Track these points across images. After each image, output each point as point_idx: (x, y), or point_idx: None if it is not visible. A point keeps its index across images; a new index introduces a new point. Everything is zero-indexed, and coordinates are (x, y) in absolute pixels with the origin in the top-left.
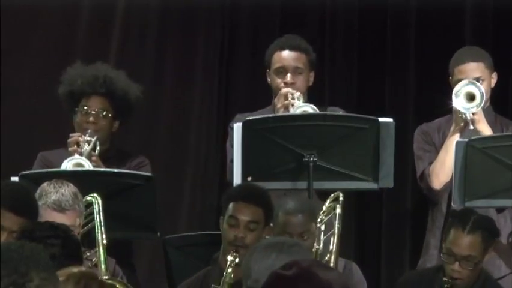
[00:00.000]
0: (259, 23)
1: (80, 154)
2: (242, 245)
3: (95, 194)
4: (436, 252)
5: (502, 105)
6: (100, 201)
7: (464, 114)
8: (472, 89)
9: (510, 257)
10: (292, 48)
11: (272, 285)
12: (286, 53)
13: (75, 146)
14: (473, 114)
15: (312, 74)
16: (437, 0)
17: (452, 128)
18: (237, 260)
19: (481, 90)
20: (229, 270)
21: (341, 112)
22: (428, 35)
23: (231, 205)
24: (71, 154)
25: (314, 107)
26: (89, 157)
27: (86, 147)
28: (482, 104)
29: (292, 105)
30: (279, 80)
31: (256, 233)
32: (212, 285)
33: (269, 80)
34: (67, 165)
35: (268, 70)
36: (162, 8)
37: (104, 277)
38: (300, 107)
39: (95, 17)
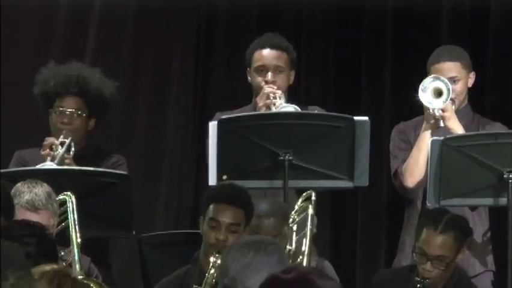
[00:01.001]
0: (235, 22)
1: (53, 158)
2: (224, 247)
3: (68, 193)
4: (411, 251)
5: (479, 104)
6: (73, 199)
7: (433, 110)
8: (440, 84)
9: (485, 255)
10: (273, 47)
11: (269, 287)
12: (267, 52)
13: (48, 150)
14: (442, 111)
15: (293, 73)
16: (414, 0)
17: (423, 126)
18: (219, 261)
19: (447, 86)
20: (212, 271)
21: (318, 111)
22: (405, 34)
23: (211, 206)
24: (44, 157)
25: (297, 107)
26: (62, 161)
27: (60, 150)
28: (448, 100)
29: (274, 104)
30: (259, 79)
31: (237, 234)
32: (193, 286)
33: (249, 78)
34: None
35: (248, 69)
36: (138, 7)
37: (79, 277)
38: (283, 107)
39: (72, 17)
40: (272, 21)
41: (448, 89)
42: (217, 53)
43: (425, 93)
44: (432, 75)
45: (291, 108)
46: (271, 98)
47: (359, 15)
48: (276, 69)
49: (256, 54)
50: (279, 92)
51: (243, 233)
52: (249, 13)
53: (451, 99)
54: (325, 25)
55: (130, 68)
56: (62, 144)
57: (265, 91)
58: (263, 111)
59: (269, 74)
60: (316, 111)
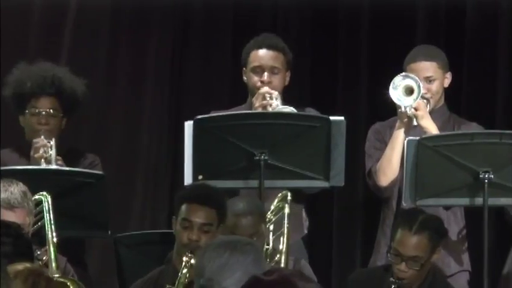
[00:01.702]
0: (211, 22)
1: (47, 160)
2: (196, 247)
3: (44, 192)
4: (386, 251)
5: (455, 104)
6: (49, 199)
7: (405, 108)
8: (411, 82)
9: (460, 254)
10: (270, 47)
11: None
12: (263, 52)
13: (41, 152)
14: (415, 109)
15: (289, 74)
16: (390, 0)
17: (396, 124)
18: (192, 261)
19: (418, 84)
20: (185, 270)
21: (312, 113)
22: (381, 34)
23: (183, 207)
24: (37, 160)
25: (293, 109)
26: (56, 162)
27: (50, 152)
28: (419, 98)
29: (271, 105)
30: (255, 79)
31: (210, 234)
32: (167, 286)
33: (245, 78)
34: None
35: (244, 68)
36: (114, 7)
37: (55, 275)
38: (280, 108)
39: (47, 17)
40: (248, 21)
41: (419, 87)
42: (193, 53)
43: (396, 90)
44: (402, 73)
45: (288, 109)
46: (268, 98)
47: (334, 15)
48: (272, 70)
49: (253, 55)
50: (275, 92)
51: (216, 233)
52: (225, 12)
53: (426, 99)
54: (301, 24)
55: (106, 67)
56: (50, 146)
57: (261, 91)
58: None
59: (265, 74)
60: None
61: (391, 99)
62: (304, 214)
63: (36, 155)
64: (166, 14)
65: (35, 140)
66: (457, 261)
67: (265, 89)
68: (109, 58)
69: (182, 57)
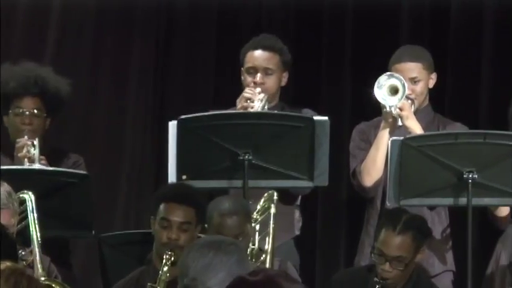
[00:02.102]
0: (195, 21)
1: (30, 159)
2: (176, 246)
3: (28, 191)
4: (370, 251)
5: (439, 104)
6: (33, 198)
7: (390, 107)
8: (395, 82)
9: (445, 255)
10: (265, 48)
11: None
12: (258, 53)
13: (24, 151)
14: (400, 109)
15: (286, 74)
16: (374, 0)
17: (381, 125)
18: (172, 259)
19: (403, 83)
20: (165, 268)
21: (310, 114)
22: (365, 34)
23: (162, 206)
24: (20, 159)
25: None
26: (38, 161)
27: (33, 151)
28: (403, 98)
29: (252, 108)
30: (249, 80)
31: (189, 233)
32: (148, 284)
33: (242, 78)
34: None
35: (242, 68)
36: (98, 7)
37: (42, 278)
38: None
39: (31, 16)
40: (232, 20)
41: (404, 87)
42: (177, 53)
43: (381, 90)
44: (388, 73)
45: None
46: (248, 102)
47: (318, 14)
48: (266, 71)
49: (248, 55)
50: (261, 95)
51: (195, 232)
52: (209, 12)
53: (410, 99)
54: (285, 24)
55: (90, 67)
56: (33, 146)
57: (245, 95)
58: None
59: (258, 75)
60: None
61: (376, 99)
62: (297, 215)
63: (19, 155)
64: (150, 14)
65: (17, 140)
66: (441, 261)
67: (248, 93)
68: (93, 57)
69: (166, 58)
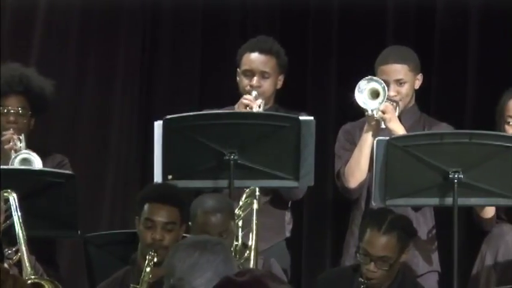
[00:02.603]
0: (180, 21)
1: (16, 151)
2: (160, 246)
3: (10, 190)
4: (355, 251)
5: (425, 104)
6: (15, 196)
7: (372, 111)
8: (376, 85)
9: (430, 255)
10: (262, 51)
11: None
12: (255, 56)
13: (11, 144)
14: (382, 112)
15: (282, 77)
16: (360, 0)
17: (365, 127)
18: (155, 260)
19: (383, 86)
20: (148, 269)
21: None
22: (350, 34)
23: (146, 206)
24: (7, 152)
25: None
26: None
27: (20, 144)
28: (384, 101)
29: None
30: (245, 82)
31: (173, 233)
32: (131, 285)
33: (238, 79)
34: (15, 161)
35: (238, 69)
36: (83, 7)
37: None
38: None
39: (17, 16)
40: (217, 20)
41: (384, 90)
42: (162, 52)
43: (362, 94)
44: (367, 77)
45: None
46: (247, 108)
47: (304, 15)
48: (263, 75)
49: (245, 57)
50: (259, 101)
51: (180, 231)
52: (194, 12)
53: (395, 102)
54: (270, 25)
55: (75, 67)
56: (18, 139)
57: (243, 101)
58: None
59: (255, 78)
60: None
61: (356, 103)
62: (287, 217)
63: (6, 147)
64: (135, 15)
65: (3, 132)
66: (426, 261)
67: (246, 100)
68: (78, 57)
69: (152, 57)
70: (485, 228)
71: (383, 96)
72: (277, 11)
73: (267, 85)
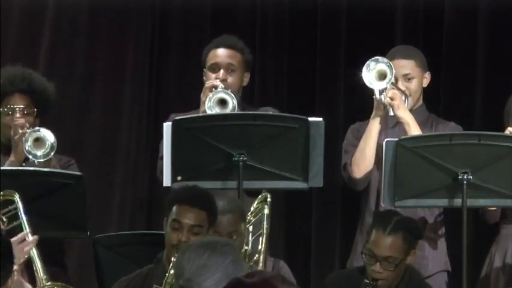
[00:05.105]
0: (189, 21)
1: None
2: None
3: (14, 192)
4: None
5: (433, 104)
6: (18, 198)
7: (379, 92)
8: (383, 67)
9: (439, 255)
10: (227, 46)
11: None
12: (220, 51)
13: (20, 131)
14: (391, 99)
15: (247, 75)
16: (368, 0)
17: (372, 114)
18: None
19: (391, 68)
20: (172, 271)
21: (271, 112)
22: (359, 35)
23: (174, 208)
24: (17, 142)
25: (230, 93)
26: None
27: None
28: (390, 82)
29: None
30: (212, 76)
31: (200, 236)
32: (154, 286)
33: (204, 78)
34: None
35: (204, 69)
36: (92, 6)
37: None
38: (216, 93)
39: (25, 16)
40: (226, 20)
41: (391, 69)
42: (172, 52)
43: (369, 73)
44: (375, 57)
45: (223, 94)
46: (213, 90)
47: (313, 14)
48: (228, 68)
49: (211, 54)
50: (221, 85)
51: (206, 235)
52: (203, 12)
53: (405, 95)
54: (279, 24)
55: (84, 67)
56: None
57: (206, 86)
58: (206, 105)
59: (221, 71)
60: (270, 112)
61: (362, 81)
62: None
63: (16, 137)
64: (144, 14)
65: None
66: (436, 261)
67: (211, 82)
68: (87, 58)
69: (161, 58)
70: (489, 220)
71: (390, 76)
72: (286, 11)
73: (233, 79)
